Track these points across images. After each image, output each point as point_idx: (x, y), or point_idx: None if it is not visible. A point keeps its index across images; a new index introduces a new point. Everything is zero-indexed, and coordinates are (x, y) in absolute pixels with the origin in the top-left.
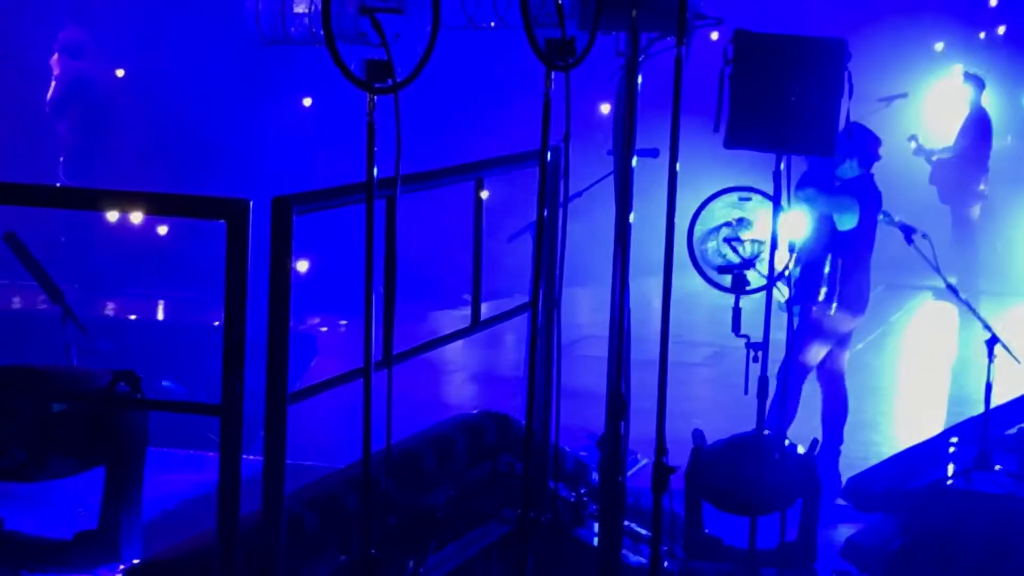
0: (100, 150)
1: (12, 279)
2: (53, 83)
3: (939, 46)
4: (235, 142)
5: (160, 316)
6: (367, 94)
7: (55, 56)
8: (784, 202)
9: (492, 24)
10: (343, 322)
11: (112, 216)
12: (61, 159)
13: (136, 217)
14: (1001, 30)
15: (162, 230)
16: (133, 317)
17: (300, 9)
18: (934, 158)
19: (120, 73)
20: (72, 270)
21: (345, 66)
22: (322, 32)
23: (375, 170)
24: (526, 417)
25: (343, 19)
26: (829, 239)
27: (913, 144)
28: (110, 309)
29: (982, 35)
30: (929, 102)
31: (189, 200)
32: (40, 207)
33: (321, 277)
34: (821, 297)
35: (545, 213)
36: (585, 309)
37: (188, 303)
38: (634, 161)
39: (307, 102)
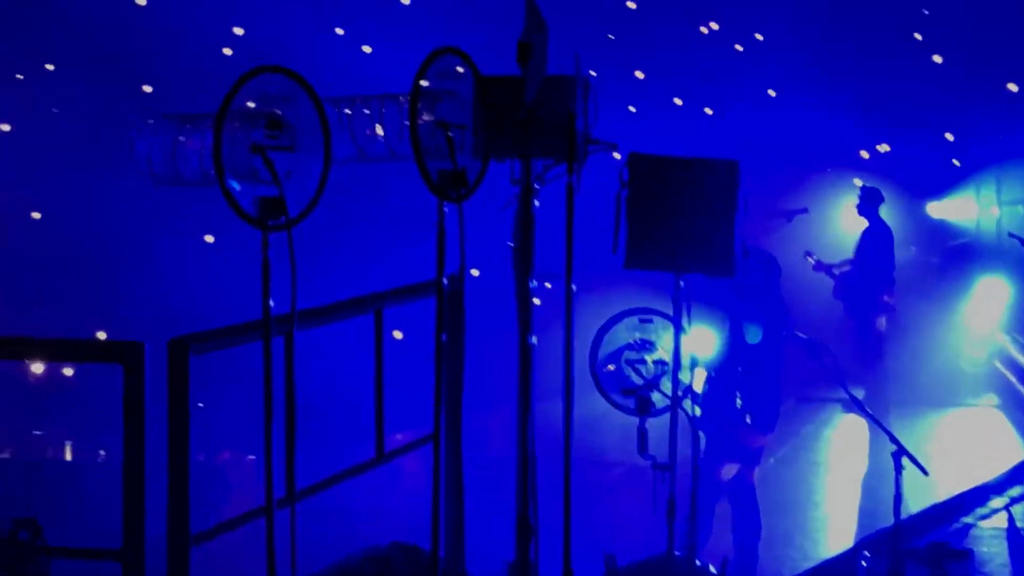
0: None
1: None
2: None
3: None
4: (136, 282)
5: (68, 457)
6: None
7: None
8: (685, 322)
9: (382, 158)
10: (251, 456)
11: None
12: None
13: (37, 367)
14: (884, 148)
15: (68, 371)
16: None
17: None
18: (836, 271)
19: (36, 216)
20: None
21: (237, 205)
22: (213, 171)
23: (271, 304)
24: (432, 548)
25: (235, 158)
26: (738, 352)
27: (811, 260)
28: (7, 452)
29: (881, 148)
30: (831, 216)
31: (84, 345)
32: None
33: (235, 408)
34: (738, 403)
35: (444, 340)
36: (495, 431)
37: (96, 443)
38: (533, 283)
39: (209, 239)
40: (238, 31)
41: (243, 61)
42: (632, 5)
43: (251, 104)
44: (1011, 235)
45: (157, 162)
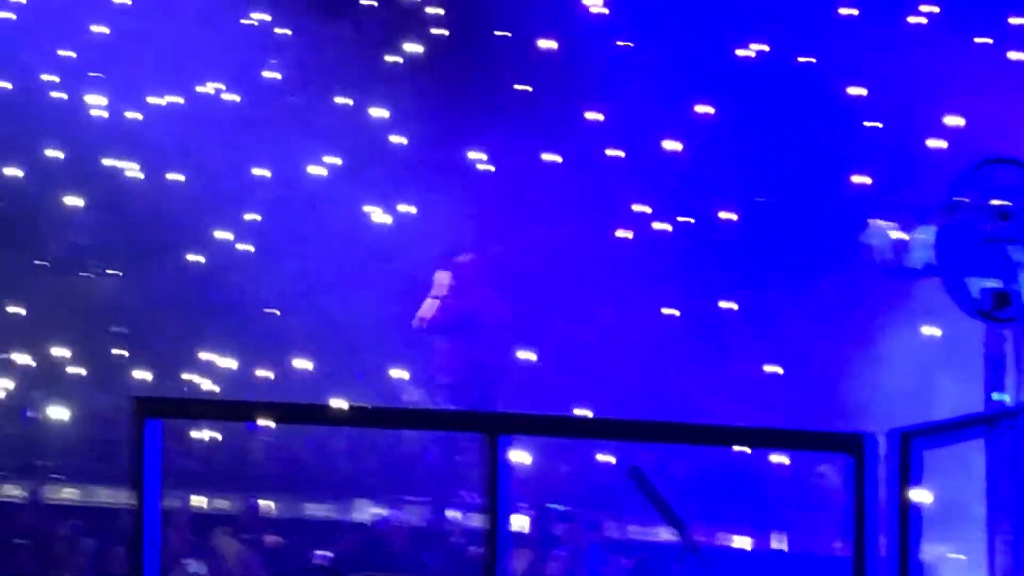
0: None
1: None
2: (433, 300)
3: None
4: (859, 371)
5: (779, 546)
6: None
7: (446, 276)
8: None
9: None
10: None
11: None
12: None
13: (735, 448)
14: None
15: (777, 459)
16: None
17: (919, 237)
18: None
19: (731, 306)
20: (691, 503)
21: (965, 297)
22: (939, 263)
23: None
24: None
25: (964, 250)
26: None
27: None
28: (728, 540)
29: None
30: None
31: (807, 435)
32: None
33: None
34: None
35: None
36: None
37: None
38: None
39: (927, 331)
40: (954, 120)
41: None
42: None
43: (969, 197)
44: None
45: (886, 253)
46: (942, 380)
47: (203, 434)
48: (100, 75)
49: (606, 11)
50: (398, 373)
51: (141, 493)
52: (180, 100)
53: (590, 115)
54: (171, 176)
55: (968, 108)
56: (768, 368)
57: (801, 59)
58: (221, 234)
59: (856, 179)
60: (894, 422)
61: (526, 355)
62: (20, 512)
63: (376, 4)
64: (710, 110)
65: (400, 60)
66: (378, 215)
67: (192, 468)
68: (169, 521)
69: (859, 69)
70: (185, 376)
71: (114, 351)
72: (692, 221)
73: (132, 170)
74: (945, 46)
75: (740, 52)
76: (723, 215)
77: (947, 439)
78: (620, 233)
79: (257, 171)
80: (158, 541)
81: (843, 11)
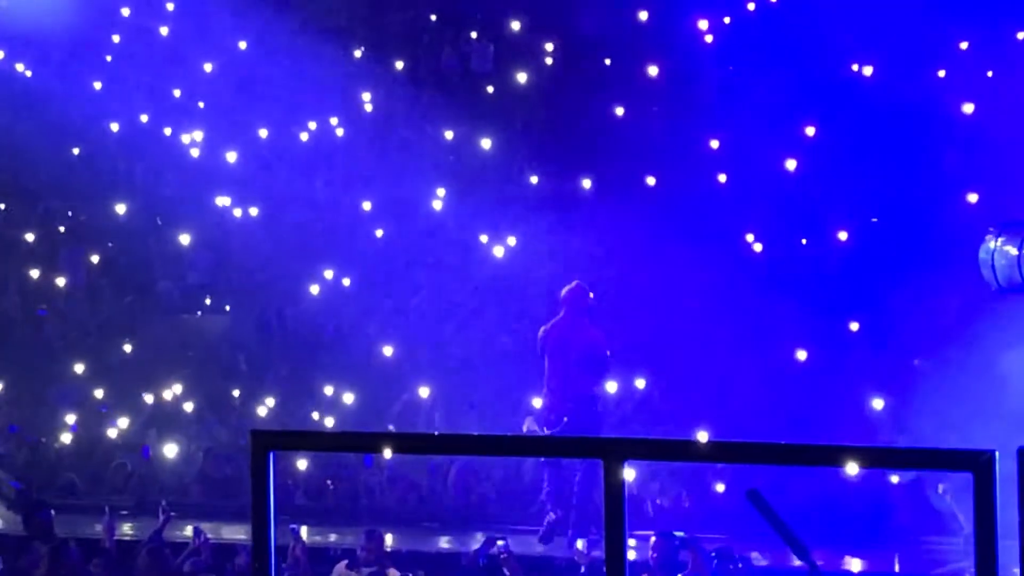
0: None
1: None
2: (548, 328)
3: None
4: (980, 389)
5: (897, 568)
6: None
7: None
8: None
9: None
10: None
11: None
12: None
13: (852, 469)
14: None
15: (894, 479)
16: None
17: None
18: None
19: (855, 327)
20: (814, 526)
21: None
22: None
23: None
24: None
25: None
26: None
27: None
28: (849, 563)
29: None
30: None
31: (927, 453)
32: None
33: None
34: None
35: None
36: None
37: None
38: None
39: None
40: None
41: None
42: None
43: None
44: None
45: (1000, 270)
46: None
47: (318, 467)
48: (206, 112)
49: (710, 37)
50: (516, 401)
51: (263, 525)
52: (291, 136)
53: (700, 139)
54: (279, 212)
55: None
56: (880, 391)
57: (912, 78)
58: (330, 269)
59: (971, 196)
60: (1011, 442)
61: (640, 381)
62: (140, 549)
63: (481, 36)
64: (812, 131)
65: (507, 90)
66: (489, 244)
67: (308, 502)
68: (288, 555)
69: (970, 86)
70: (299, 410)
71: (229, 389)
72: (805, 242)
73: (238, 207)
74: None
75: (849, 72)
76: (840, 235)
77: None
78: (731, 255)
79: (366, 204)
80: (273, 573)
81: (953, 29)
